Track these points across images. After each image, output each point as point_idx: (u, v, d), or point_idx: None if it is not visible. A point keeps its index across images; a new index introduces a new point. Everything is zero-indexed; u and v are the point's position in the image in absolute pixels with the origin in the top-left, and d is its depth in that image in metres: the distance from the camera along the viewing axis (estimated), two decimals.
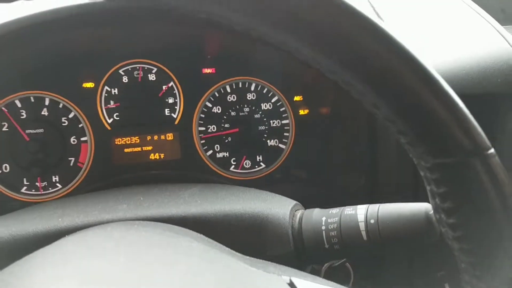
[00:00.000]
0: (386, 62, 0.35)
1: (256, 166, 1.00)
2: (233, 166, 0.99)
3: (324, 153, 0.99)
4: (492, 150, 0.37)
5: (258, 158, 1.00)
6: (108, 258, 0.43)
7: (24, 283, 0.39)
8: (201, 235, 0.54)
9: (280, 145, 1.00)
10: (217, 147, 0.99)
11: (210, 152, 0.98)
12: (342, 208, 0.62)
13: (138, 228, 0.51)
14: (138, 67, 0.97)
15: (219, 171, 0.99)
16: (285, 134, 1.00)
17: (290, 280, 0.47)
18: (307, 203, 0.70)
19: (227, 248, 0.53)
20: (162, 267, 0.41)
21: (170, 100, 0.98)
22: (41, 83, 0.94)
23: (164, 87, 0.97)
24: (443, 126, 0.37)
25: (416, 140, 0.38)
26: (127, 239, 0.47)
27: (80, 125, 0.95)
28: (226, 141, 0.99)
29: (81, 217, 0.61)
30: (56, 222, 0.60)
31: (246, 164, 1.00)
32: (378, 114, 0.39)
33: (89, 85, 0.96)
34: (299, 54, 0.36)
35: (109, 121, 0.96)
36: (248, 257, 0.53)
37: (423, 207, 0.57)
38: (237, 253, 0.53)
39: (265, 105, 1.00)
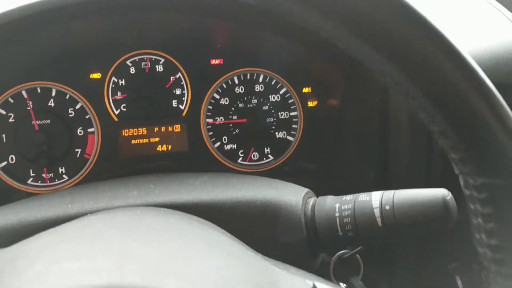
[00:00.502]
0: (457, 85, 0.34)
1: (264, 158, 0.99)
2: (240, 158, 0.99)
3: (333, 145, 0.98)
4: None
5: (266, 150, 0.99)
6: (134, 241, 0.41)
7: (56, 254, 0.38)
8: (224, 231, 0.53)
9: (288, 137, 0.99)
10: (224, 139, 0.98)
11: (218, 144, 0.98)
12: (356, 194, 0.61)
13: (165, 214, 0.50)
14: (145, 58, 0.96)
15: (226, 163, 0.98)
16: (293, 126, 0.99)
17: (313, 285, 0.46)
18: (317, 195, 0.69)
19: (249, 247, 0.52)
20: (190, 256, 0.40)
21: (178, 92, 0.97)
22: (48, 74, 0.93)
23: (171, 78, 0.96)
24: (499, 147, 0.35)
25: (468, 157, 0.37)
26: (153, 224, 0.46)
27: (87, 116, 0.94)
28: (234, 133, 0.98)
29: (91, 203, 0.60)
30: (66, 208, 0.59)
31: (254, 156, 0.99)
32: (433, 128, 0.37)
33: (96, 76, 0.95)
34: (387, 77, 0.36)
35: (116, 112, 0.95)
36: (267, 258, 0.51)
37: (440, 192, 0.56)
38: (259, 253, 0.51)
39: (273, 97, 0.99)
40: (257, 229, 0.60)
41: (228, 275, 0.39)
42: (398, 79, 0.35)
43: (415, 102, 0.36)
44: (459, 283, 0.89)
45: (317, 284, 0.45)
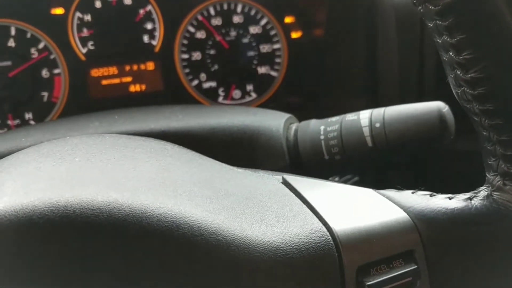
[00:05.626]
0: None
1: (247, 97, 0.92)
2: (221, 97, 0.92)
3: (319, 77, 0.91)
4: None
5: (248, 87, 0.92)
6: (60, 161, 0.35)
7: None
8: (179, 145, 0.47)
9: (272, 73, 0.92)
10: (203, 76, 0.91)
11: (196, 82, 0.90)
12: (343, 115, 0.56)
13: (100, 136, 0.43)
14: None
15: (206, 103, 0.91)
16: (276, 60, 0.92)
17: (283, 178, 0.40)
18: None
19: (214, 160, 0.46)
20: (124, 164, 0.34)
21: (149, 26, 0.89)
22: (5, 10, 0.84)
23: (141, 11, 0.88)
24: None
25: None
26: (87, 145, 0.40)
27: (51, 56, 0.87)
28: (213, 69, 0.90)
29: (46, 135, 0.54)
30: (19, 142, 0.53)
31: (235, 94, 0.92)
32: None
33: (59, 11, 0.87)
34: None
35: (83, 51, 0.88)
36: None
37: (435, 105, 0.50)
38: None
39: (254, 29, 0.91)
40: (234, 158, 0.54)
41: (180, 179, 0.33)
42: None
43: None
44: None
45: (286, 176, 0.40)
